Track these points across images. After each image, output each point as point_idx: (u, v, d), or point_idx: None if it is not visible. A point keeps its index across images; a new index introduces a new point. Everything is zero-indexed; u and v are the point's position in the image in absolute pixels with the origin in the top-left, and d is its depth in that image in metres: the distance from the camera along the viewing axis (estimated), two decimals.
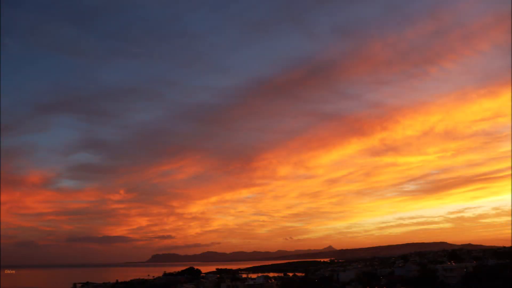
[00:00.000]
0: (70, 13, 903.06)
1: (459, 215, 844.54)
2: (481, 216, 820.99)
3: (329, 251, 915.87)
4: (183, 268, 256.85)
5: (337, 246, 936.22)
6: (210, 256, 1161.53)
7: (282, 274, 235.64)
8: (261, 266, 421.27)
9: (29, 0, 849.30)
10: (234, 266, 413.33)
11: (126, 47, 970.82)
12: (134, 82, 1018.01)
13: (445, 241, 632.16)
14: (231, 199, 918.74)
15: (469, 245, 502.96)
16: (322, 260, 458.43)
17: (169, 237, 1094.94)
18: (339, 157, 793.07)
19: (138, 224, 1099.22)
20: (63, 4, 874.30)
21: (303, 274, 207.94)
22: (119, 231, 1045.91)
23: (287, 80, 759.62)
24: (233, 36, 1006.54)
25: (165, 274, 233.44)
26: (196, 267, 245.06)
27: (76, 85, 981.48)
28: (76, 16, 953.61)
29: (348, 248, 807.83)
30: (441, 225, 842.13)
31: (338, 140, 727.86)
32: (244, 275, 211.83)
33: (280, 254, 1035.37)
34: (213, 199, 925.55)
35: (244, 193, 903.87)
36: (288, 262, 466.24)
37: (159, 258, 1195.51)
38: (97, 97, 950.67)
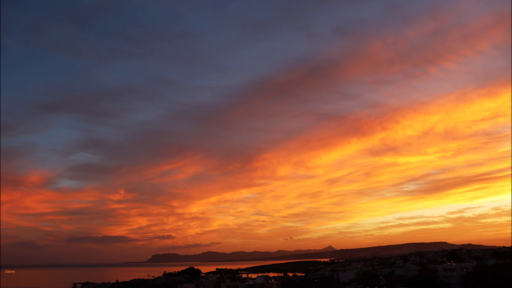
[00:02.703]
0: (70, 13, 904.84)
1: (459, 215, 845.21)
2: (481, 216, 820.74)
3: (329, 251, 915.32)
4: (183, 268, 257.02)
5: (337, 246, 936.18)
6: (210, 256, 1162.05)
7: (282, 274, 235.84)
8: (261, 266, 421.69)
9: (29, 0, 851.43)
10: (234, 266, 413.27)
11: (126, 47, 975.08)
12: (134, 82, 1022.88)
13: (445, 241, 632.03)
14: (231, 199, 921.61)
15: (469, 245, 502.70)
16: (322, 260, 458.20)
17: (169, 237, 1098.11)
18: (339, 157, 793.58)
19: (138, 224, 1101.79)
20: (63, 4, 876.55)
21: (303, 274, 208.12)
22: (119, 231, 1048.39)
23: (287, 80, 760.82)
24: (233, 36, 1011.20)
25: (165, 274, 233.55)
26: (196, 267, 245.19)
27: (76, 85, 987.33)
28: (76, 16, 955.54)
29: (348, 248, 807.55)
30: (441, 225, 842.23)
31: (338, 140, 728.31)
32: (244, 275, 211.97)
33: (280, 254, 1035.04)
34: (213, 199, 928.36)
35: (244, 193, 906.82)
36: (288, 262, 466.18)
37: (159, 258, 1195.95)
38: (97, 97, 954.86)
